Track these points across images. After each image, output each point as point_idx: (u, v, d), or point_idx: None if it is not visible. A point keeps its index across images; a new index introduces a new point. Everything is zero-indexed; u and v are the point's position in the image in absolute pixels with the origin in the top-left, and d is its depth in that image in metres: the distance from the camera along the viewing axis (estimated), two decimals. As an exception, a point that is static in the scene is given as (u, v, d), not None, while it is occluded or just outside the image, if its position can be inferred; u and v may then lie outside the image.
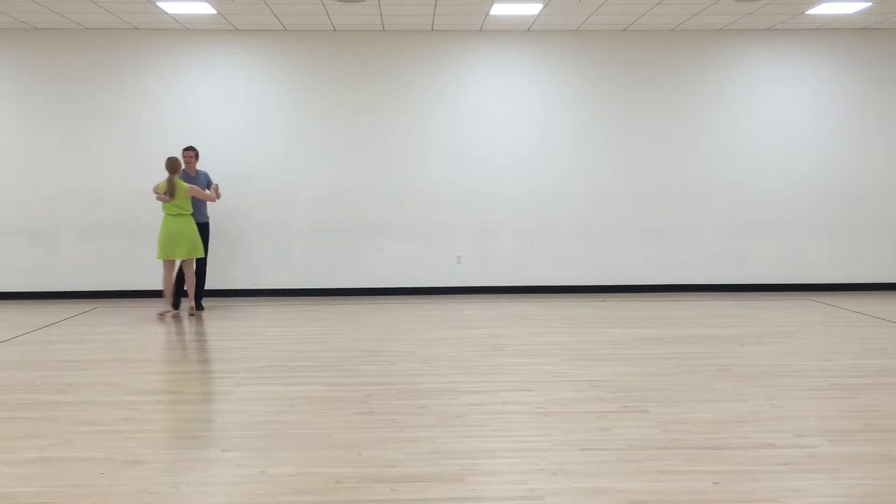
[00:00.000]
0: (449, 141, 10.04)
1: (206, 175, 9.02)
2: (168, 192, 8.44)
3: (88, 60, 9.80)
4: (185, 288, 8.79)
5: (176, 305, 8.90)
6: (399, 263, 10.13)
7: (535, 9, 8.82)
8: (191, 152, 8.92)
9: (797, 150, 10.18)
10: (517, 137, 10.07)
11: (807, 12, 9.09)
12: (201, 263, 8.97)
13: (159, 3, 8.51)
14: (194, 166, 8.92)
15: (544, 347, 6.85)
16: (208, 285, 9.49)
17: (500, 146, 10.06)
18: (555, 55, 10.05)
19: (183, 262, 8.69)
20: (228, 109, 9.94)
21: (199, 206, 8.86)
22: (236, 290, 10.05)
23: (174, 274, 8.75)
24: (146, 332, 7.74)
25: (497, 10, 8.84)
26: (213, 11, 8.83)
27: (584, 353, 6.63)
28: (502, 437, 4.40)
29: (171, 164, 8.52)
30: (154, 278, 9.96)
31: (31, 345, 7.12)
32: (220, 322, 8.35)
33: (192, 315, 8.63)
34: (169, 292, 8.70)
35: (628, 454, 4.09)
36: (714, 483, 3.70)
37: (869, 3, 8.73)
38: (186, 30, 9.78)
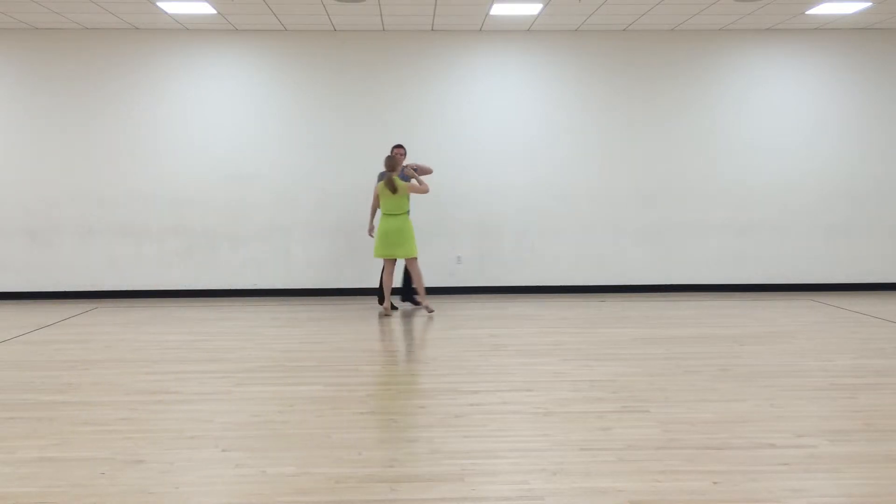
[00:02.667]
0: (449, 141, 10.04)
1: (403, 175, 8.93)
2: (390, 190, 8.40)
3: (88, 60, 9.80)
4: (413, 286, 8.80)
5: (412, 301, 9.07)
6: (399, 263, 10.10)
7: (535, 9, 8.82)
8: (401, 149, 8.86)
9: (797, 150, 10.18)
10: (517, 137, 10.07)
11: (807, 12, 9.09)
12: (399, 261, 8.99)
13: (159, 3, 8.51)
14: (400, 163, 8.79)
15: (544, 347, 6.85)
16: (207, 286, 9.47)
17: (500, 146, 10.06)
18: (555, 55, 10.05)
19: (406, 262, 8.66)
20: (228, 109, 9.94)
21: None
22: (236, 290, 10.05)
23: (393, 273, 8.70)
24: (146, 332, 7.74)
25: (497, 10, 8.84)
26: (213, 11, 8.83)
27: (584, 353, 6.63)
28: (502, 437, 4.40)
29: (392, 163, 8.45)
30: (153, 278, 9.99)
31: (31, 345, 7.12)
32: (220, 322, 8.35)
33: (430, 312, 8.60)
34: (387, 292, 8.64)
35: (628, 454, 4.09)
36: (714, 483, 3.70)
37: (869, 3, 8.73)
38: (186, 30, 9.78)
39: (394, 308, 8.94)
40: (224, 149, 9.92)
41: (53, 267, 9.93)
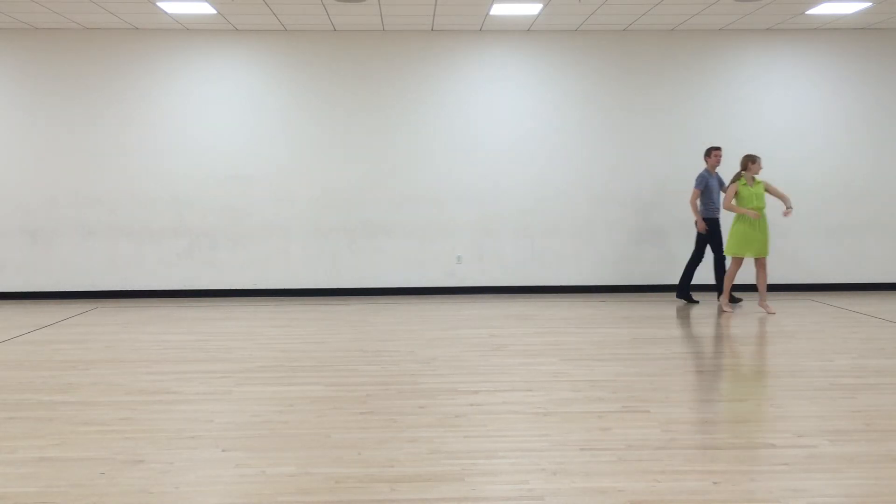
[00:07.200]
0: (449, 141, 10.04)
1: (718, 176, 9.07)
2: (753, 190, 8.56)
3: (88, 60, 9.79)
4: (757, 284, 8.79)
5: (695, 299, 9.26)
6: (399, 263, 10.13)
7: (534, 9, 8.82)
8: (720, 152, 9.05)
9: (797, 150, 10.17)
10: (517, 137, 10.07)
11: (807, 12, 9.09)
12: (720, 259, 9.09)
13: (159, 3, 8.51)
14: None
15: (544, 347, 6.85)
16: (208, 286, 9.46)
17: (501, 146, 10.06)
18: (554, 55, 10.05)
19: (755, 260, 8.67)
20: (228, 109, 9.93)
21: (713, 201, 8.98)
22: (236, 290, 10.05)
23: (737, 272, 8.75)
24: (146, 332, 7.74)
25: (497, 10, 8.84)
26: (213, 11, 8.83)
27: (584, 353, 6.63)
28: (502, 437, 4.40)
29: (749, 162, 8.63)
30: (153, 278, 9.98)
31: (31, 345, 7.12)
32: (220, 322, 8.35)
33: (770, 313, 8.54)
34: (728, 288, 8.74)
35: (628, 454, 4.09)
36: (714, 483, 3.70)
37: (869, 3, 8.73)
38: (186, 30, 9.78)
39: (694, 301, 9.20)
40: (224, 149, 9.91)
41: (53, 267, 9.93)
